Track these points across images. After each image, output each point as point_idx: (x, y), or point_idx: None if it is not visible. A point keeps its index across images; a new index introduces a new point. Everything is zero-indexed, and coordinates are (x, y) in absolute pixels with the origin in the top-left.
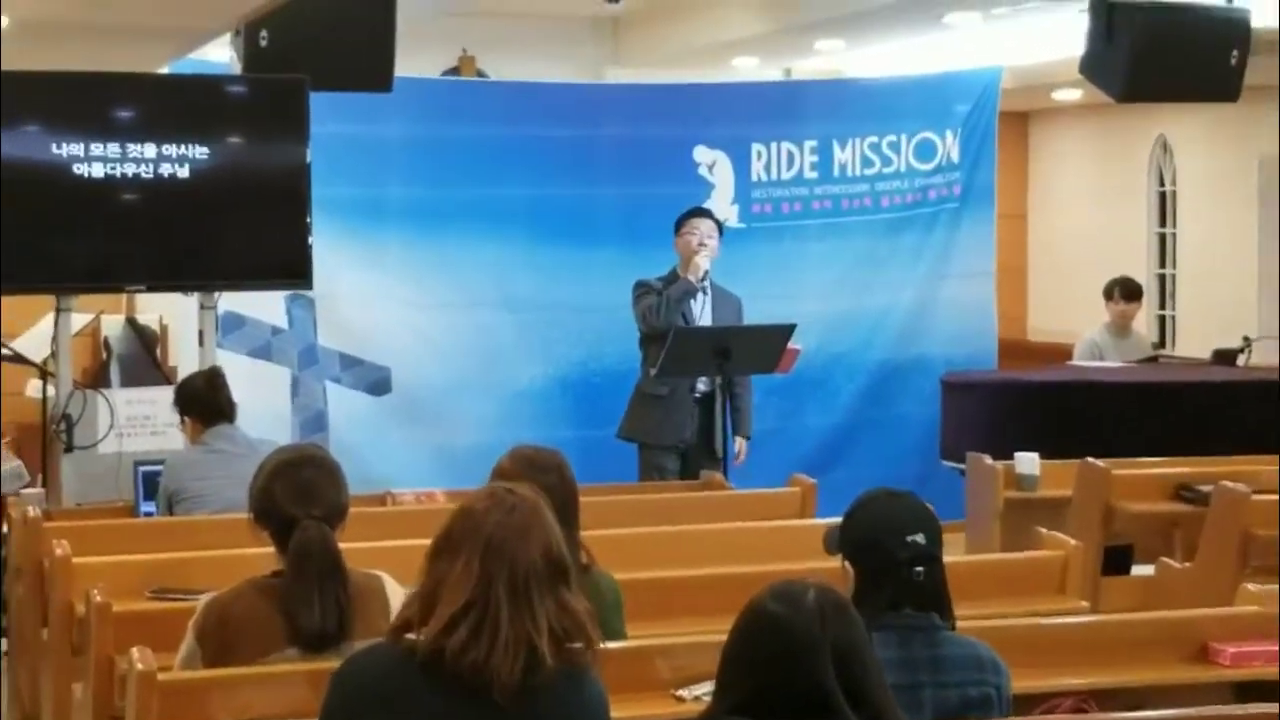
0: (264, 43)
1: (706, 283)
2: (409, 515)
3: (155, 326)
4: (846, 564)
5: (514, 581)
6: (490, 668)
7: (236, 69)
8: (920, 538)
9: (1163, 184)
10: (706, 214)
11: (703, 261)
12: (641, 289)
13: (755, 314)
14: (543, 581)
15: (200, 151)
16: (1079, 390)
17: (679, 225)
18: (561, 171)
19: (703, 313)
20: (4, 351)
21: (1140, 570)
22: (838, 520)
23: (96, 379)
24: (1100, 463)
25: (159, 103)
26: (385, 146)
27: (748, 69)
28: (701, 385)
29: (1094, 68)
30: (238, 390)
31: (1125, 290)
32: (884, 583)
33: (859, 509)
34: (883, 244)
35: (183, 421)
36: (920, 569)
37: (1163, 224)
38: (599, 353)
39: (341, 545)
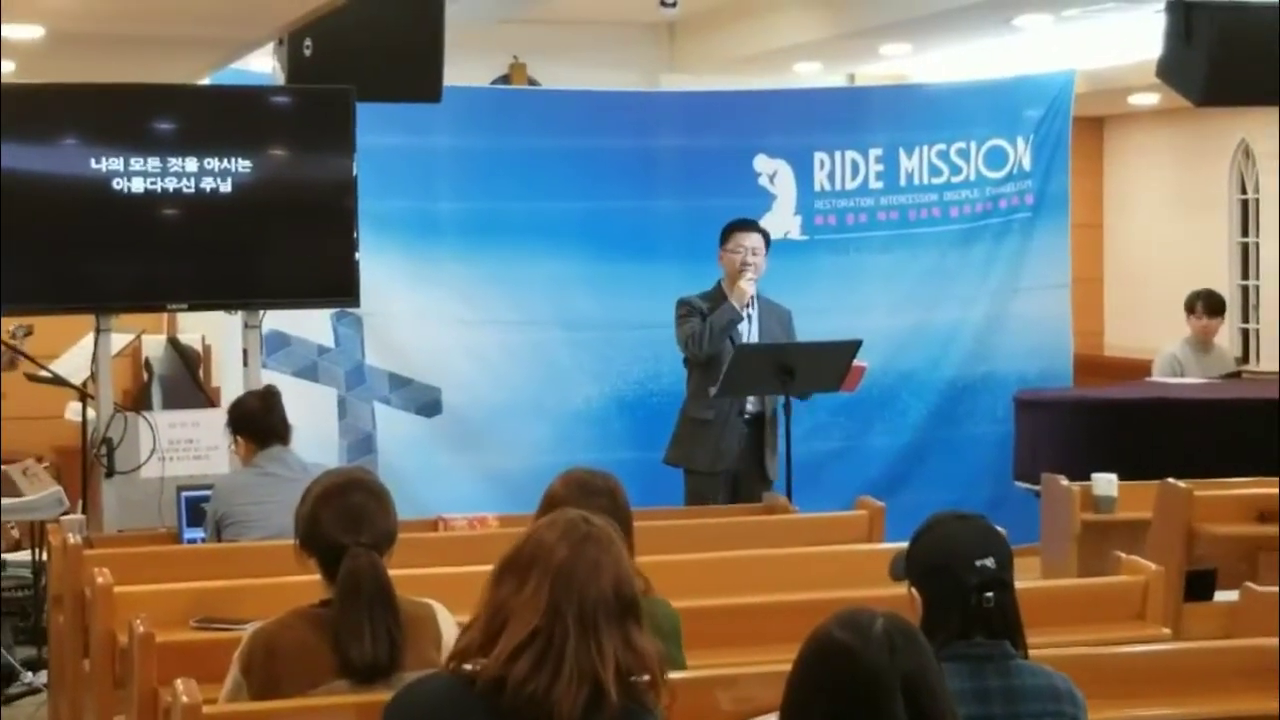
0: (308, 52)
1: (753, 309)
2: (460, 541)
3: (198, 346)
4: (913, 591)
5: (582, 615)
6: (551, 700)
7: (280, 79)
8: (990, 562)
9: (1245, 191)
10: (753, 227)
11: (748, 287)
12: (684, 309)
13: (819, 330)
14: (611, 616)
15: (243, 165)
16: (1158, 408)
17: (724, 238)
18: (617, 183)
19: (749, 336)
20: (43, 373)
21: (1224, 596)
22: (905, 546)
23: (138, 401)
24: (1181, 484)
25: (200, 115)
26: (434, 158)
27: (810, 75)
28: (750, 405)
29: (1171, 70)
30: None
31: (1208, 304)
32: (953, 610)
33: (925, 533)
34: (952, 256)
35: (235, 442)
36: (990, 594)
37: (1245, 233)
38: (658, 372)
39: (391, 572)
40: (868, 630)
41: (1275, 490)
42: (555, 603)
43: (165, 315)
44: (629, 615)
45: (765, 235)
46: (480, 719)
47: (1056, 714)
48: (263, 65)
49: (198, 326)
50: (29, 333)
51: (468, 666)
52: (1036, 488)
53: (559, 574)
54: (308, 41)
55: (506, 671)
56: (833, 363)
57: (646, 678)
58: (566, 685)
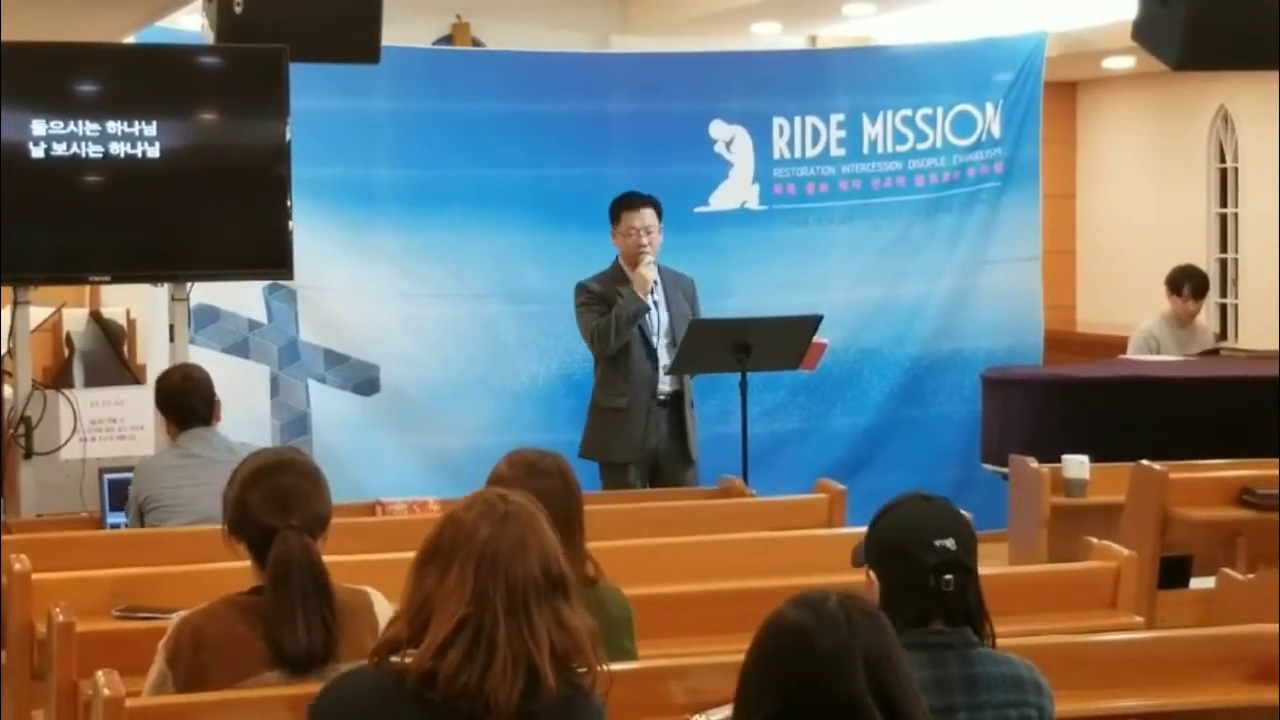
0: (239, 9)
1: (658, 292)
2: (399, 526)
3: (122, 321)
4: (871, 574)
5: (511, 596)
6: (486, 691)
7: (209, 38)
8: (950, 543)
9: (1223, 160)
10: (642, 202)
11: (648, 273)
12: (584, 296)
13: (777, 304)
14: (541, 596)
15: (170, 129)
16: (1133, 387)
17: (615, 217)
18: (565, 149)
19: (659, 319)
20: None
21: (1200, 583)
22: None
23: (58, 378)
24: (1156, 465)
25: (124, 76)
26: (373, 123)
27: (768, 36)
28: (665, 386)
29: (1148, 32)
30: None
31: (1196, 287)
32: (910, 593)
33: (886, 513)
34: (917, 227)
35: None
36: (950, 577)
37: (1224, 204)
38: None
39: (326, 558)
40: (821, 608)
41: (1254, 472)
42: (481, 587)
43: (87, 288)
44: (559, 593)
45: (657, 206)
46: (412, 715)
47: (1020, 703)
48: (191, 23)
49: (122, 300)
50: None
51: (395, 659)
52: (1004, 470)
53: (482, 557)
54: None
55: (437, 664)
56: (791, 339)
57: (584, 669)
58: (501, 673)
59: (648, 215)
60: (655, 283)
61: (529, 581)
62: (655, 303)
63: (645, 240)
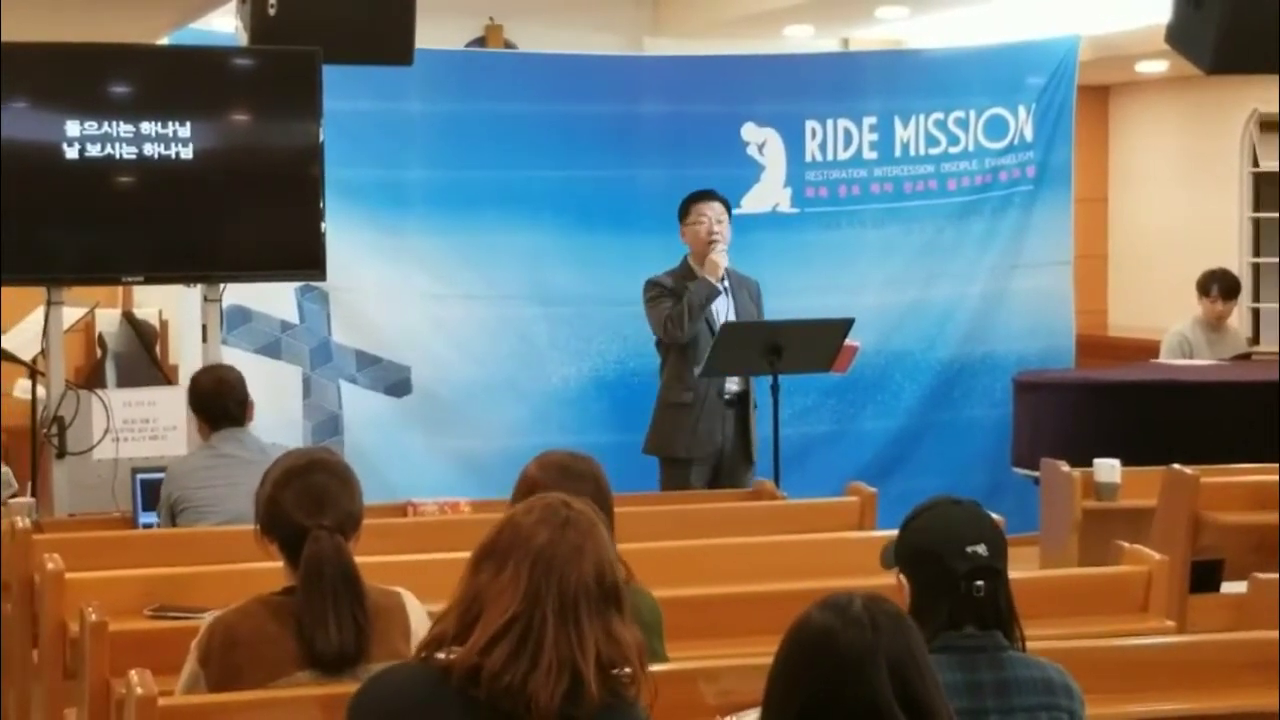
0: (273, 11)
1: (727, 281)
2: (431, 527)
3: (154, 321)
4: (902, 578)
5: (562, 601)
6: (528, 691)
7: (243, 40)
8: (982, 549)
9: (1257, 164)
10: (712, 196)
11: (720, 259)
12: (655, 290)
13: (809, 307)
14: (593, 605)
15: (203, 130)
16: (1165, 391)
17: (684, 212)
18: (597, 152)
19: (727, 311)
20: None
21: (1231, 587)
22: (896, 532)
23: (91, 378)
24: (1188, 469)
25: (158, 77)
26: (405, 125)
27: (801, 39)
28: (732, 385)
29: (1181, 36)
30: None
31: (1224, 287)
32: (941, 598)
33: (917, 517)
34: (949, 231)
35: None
36: (981, 583)
37: (1257, 208)
38: (639, 350)
39: (358, 559)
40: (846, 609)
41: None
42: (534, 589)
43: (120, 288)
44: (611, 604)
45: (726, 203)
46: (454, 711)
47: (1051, 707)
48: (225, 25)
49: (155, 300)
50: None
51: (441, 655)
52: (1036, 474)
53: (538, 559)
54: (272, 0)
55: (482, 661)
56: (823, 342)
57: (628, 670)
58: (545, 675)
59: (717, 207)
60: (725, 271)
61: (582, 589)
62: (725, 288)
63: (716, 228)
